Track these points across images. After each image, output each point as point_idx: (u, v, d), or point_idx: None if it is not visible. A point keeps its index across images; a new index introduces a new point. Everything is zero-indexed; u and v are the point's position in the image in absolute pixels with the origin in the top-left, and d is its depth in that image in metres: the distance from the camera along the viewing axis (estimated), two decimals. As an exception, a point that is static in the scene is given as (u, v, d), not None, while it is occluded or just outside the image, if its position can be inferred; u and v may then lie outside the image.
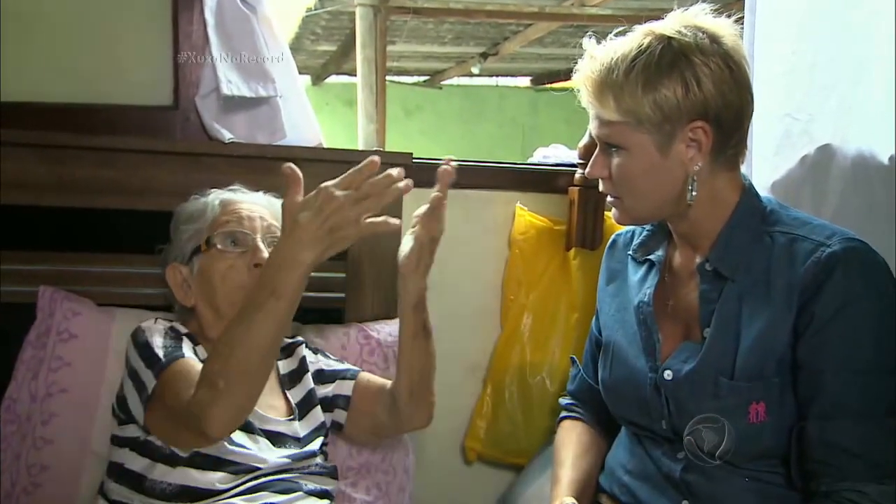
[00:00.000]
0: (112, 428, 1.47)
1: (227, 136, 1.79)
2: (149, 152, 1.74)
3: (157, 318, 1.49)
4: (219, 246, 1.49)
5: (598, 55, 1.26)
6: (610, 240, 1.55)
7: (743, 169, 1.80)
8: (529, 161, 2.25)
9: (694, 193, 1.26)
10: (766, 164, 1.78)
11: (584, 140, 2.01)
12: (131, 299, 1.72)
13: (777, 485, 1.26)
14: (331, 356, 1.66)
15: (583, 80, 1.27)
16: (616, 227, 1.56)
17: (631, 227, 1.50)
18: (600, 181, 1.33)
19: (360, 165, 1.16)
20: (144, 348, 1.38)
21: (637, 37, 1.25)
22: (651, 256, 1.40)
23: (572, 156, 2.07)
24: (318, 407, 1.56)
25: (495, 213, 2.05)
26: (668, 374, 1.30)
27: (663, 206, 1.30)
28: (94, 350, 1.63)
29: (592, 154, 1.96)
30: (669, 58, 1.21)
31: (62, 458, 1.57)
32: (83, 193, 1.71)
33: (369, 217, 1.15)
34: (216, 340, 1.28)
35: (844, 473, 1.18)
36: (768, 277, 1.24)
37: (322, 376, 1.59)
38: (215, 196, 1.56)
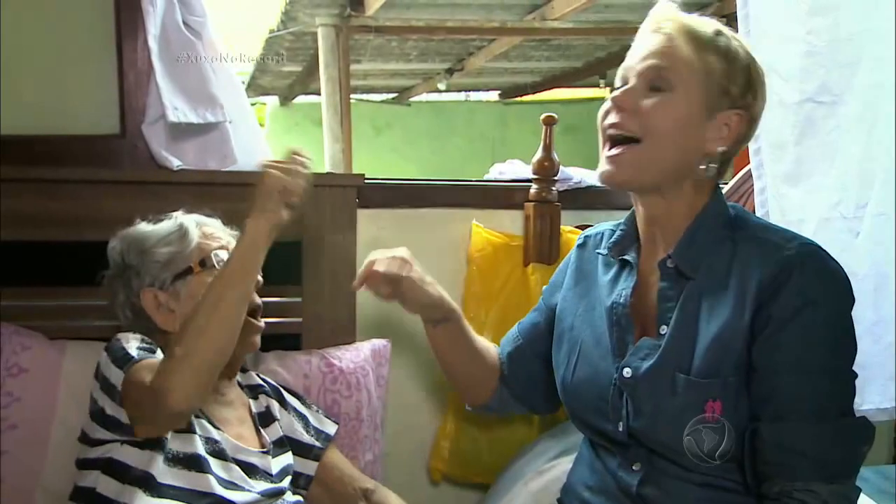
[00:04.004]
0: (79, 452, 1.42)
1: (175, 163, 1.77)
2: (96, 182, 1.72)
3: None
4: (217, 267, 1.46)
5: (688, 15, 1.31)
6: (580, 238, 1.53)
7: (754, 164, 1.78)
8: (485, 177, 2.25)
9: (709, 167, 1.29)
10: (787, 155, 1.71)
11: (539, 155, 2.02)
12: (84, 332, 1.70)
13: (732, 491, 1.26)
14: (296, 407, 1.63)
15: (670, 15, 1.30)
16: (572, 241, 1.56)
17: (602, 227, 1.49)
18: (618, 114, 1.28)
19: None
20: (118, 351, 1.36)
21: (715, 22, 1.32)
22: (626, 256, 1.39)
23: (528, 171, 2.07)
24: (290, 452, 1.55)
25: (451, 231, 2.04)
26: (627, 372, 1.30)
27: (671, 170, 1.28)
28: (45, 384, 1.61)
29: (546, 169, 2.00)
30: (745, 56, 1.30)
31: (13, 496, 1.54)
32: (30, 226, 1.69)
33: None
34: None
35: (796, 474, 1.19)
36: (728, 279, 1.26)
37: (292, 445, 1.58)
38: (188, 219, 1.52)
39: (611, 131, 1.29)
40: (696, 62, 1.26)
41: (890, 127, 1.52)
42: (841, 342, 1.23)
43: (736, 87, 1.28)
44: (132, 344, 1.37)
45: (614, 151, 1.29)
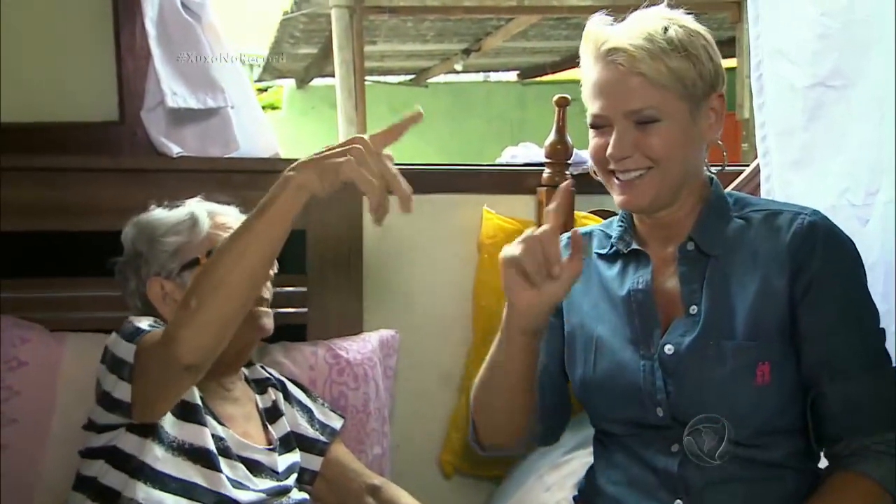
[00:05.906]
0: (85, 440, 1.39)
1: (174, 150, 1.73)
2: (94, 170, 1.69)
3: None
4: None
5: (626, 28, 1.27)
6: (564, 239, 1.48)
7: (760, 151, 1.76)
8: (498, 161, 2.19)
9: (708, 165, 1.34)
10: (795, 141, 1.68)
11: (551, 138, 1.96)
12: (84, 323, 1.67)
13: (775, 465, 1.26)
14: (301, 400, 1.59)
15: (626, 46, 1.25)
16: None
17: (589, 228, 1.47)
18: (620, 161, 1.28)
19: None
20: (128, 328, 1.33)
21: (650, 16, 1.28)
22: (636, 247, 1.37)
23: (541, 154, 2.01)
24: (297, 450, 1.52)
25: (462, 218, 1.99)
26: (669, 349, 1.28)
27: (684, 182, 1.31)
28: (45, 377, 1.59)
29: (559, 152, 1.94)
30: (691, 33, 1.28)
31: (13, 491, 1.53)
32: (28, 216, 1.67)
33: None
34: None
35: (871, 428, 1.22)
36: (752, 250, 1.29)
37: (297, 440, 1.54)
38: (198, 208, 1.48)
39: (621, 176, 1.29)
40: (667, 78, 1.25)
41: None
42: (870, 296, 1.28)
43: (706, 71, 1.28)
44: (144, 322, 1.34)
45: (631, 175, 1.28)
